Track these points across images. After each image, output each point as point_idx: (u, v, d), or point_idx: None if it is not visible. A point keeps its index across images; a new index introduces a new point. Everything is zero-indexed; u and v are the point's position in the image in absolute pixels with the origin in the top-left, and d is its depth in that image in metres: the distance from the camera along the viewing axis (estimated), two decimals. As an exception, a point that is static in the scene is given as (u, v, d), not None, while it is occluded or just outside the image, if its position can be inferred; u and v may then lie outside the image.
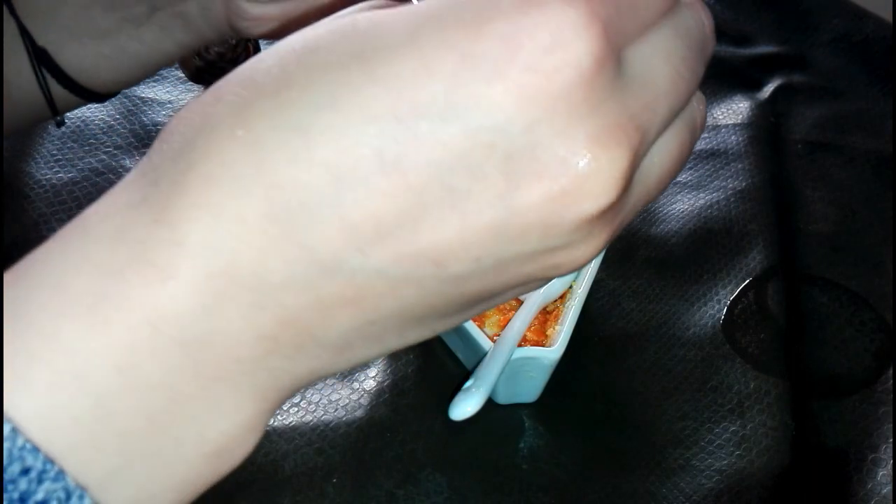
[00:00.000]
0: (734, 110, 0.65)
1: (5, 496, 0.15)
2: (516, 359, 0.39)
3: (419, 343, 0.49)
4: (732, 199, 0.57)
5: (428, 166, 0.16)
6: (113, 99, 0.60)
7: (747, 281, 0.51)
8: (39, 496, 0.16)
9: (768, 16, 0.75)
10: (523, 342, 0.42)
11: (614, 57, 0.17)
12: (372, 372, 0.45)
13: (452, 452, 0.42)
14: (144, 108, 0.60)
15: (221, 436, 0.19)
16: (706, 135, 0.63)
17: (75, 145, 0.57)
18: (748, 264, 0.52)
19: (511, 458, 0.42)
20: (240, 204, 0.17)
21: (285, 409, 0.43)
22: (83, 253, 0.17)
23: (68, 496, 0.16)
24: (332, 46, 0.17)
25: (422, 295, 0.18)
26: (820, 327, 0.49)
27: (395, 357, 0.46)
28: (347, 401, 0.44)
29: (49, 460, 0.16)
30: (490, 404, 0.37)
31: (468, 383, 0.36)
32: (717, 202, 0.57)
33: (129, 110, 0.60)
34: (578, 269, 0.19)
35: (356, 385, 0.45)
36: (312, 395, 0.44)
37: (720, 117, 0.65)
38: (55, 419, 0.16)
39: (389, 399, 0.44)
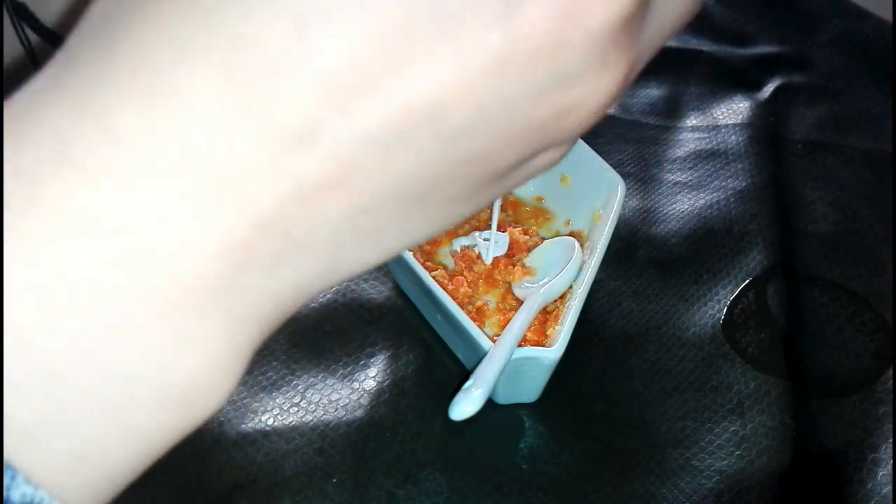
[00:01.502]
0: (734, 110, 0.65)
1: None
2: (516, 359, 0.39)
3: (419, 343, 0.49)
4: (732, 199, 0.57)
5: None
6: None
7: (747, 281, 0.51)
8: None
9: (768, 16, 0.75)
10: (523, 342, 0.42)
11: None
12: (372, 372, 0.46)
13: (452, 452, 0.42)
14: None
15: (186, 377, 0.15)
16: (706, 135, 0.63)
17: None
18: (748, 264, 0.52)
19: (511, 458, 0.42)
20: (188, 74, 0.13)
21: (285, 409, 0.43)
22: None
23: None
24: None
25: (420, 162, 0.15)
26: (820, 327, 0.49)
27: (395, 357, 0.46)
28: (347, 401, 0.44)
29: None
30: (490, 404, 0.37)
31: (468, 383, 0.36)
32: (717, 202, 0.57)
33: (129, 110, 0.60)
34: (597, 113, 0.16)
35: (356, 385, 0.45)
36: (312, 395, 0.44)
37: (720, 117, 0.65)
38: None
39: (389, 399, 0.44)
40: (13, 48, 0.39)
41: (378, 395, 0.44)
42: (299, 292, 0.16)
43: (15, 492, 0.13)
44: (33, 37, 0.39)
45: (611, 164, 0.49)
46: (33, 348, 0.14)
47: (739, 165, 0.59)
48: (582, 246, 0.46)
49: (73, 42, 0.14)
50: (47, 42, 0.40)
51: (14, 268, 0.13)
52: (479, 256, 0.47)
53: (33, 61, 0.40)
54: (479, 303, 0.46)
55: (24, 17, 0.38)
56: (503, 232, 0.48)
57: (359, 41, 0.14)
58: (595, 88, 0.16)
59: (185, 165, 0.14)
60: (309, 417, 0.43)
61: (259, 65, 0.13)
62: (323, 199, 0.15)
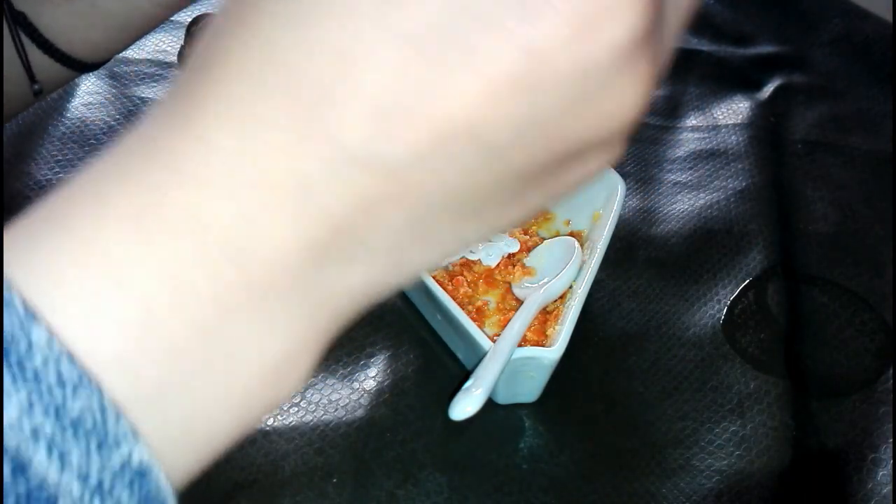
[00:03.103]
0: (734, 110, 0.65)
1: (40, 402, 0.15)
2: (516, 359, 0.39)
3: (419, 343, 0.49)
4: (732, 199, 0.57)
5: (432, 26, 0.15)
6: (113, 99, 0.61)
7: (747, 281, 0.51)
8: (75, 412, 0.15)
9: (768, 16, 0.75)
10: (523, 342, 0.42)
11: None
12: (372, 372, 0.45)
13: (452, 452, 0.42)
14: (144, 108, 0.60)
15: (277, 353, 0.18)
16: (706, 135, 0.63)
17: (75, 146, 0.57)
18: (748, 264, 0.52)
19: (511, 458, 0.42)
20: (264, 106, 0.16)
21: (285, 409, 0.43)
22: (118, 166, 0.17)
23: (104, 415, 0.16)
24: None
25: (466, 175, 0.17)
26: (820, 327, 0.49)
27: (395, 357, 0.46)
28: (347, 401, 0.44)
29: (85, 373, 0.15)
30: (490, 404, 0.37)
31: (468, 383, 0.36)
32: (717, 202, 0.57)
33: (129, 111, 0.60)
34: (632, 116, 0.17)
35: (356, 385, 0.45)
36: (312, 395, 0.44)
37: (720, 117, 0.65)
38: (99, 325, 0.16)
39: (389, 399, 0.44)
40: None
41: (378, 395, 0.44)
42: (370, 288, 0.19)
43: (136, 454, 0.16)
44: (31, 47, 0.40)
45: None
46: (162, 325, 0.16)
47: (739, 165, 0.59)
48: (582, 246, 0.46)
49: (179, 81, 0.18)
50: (43, 52, 0.40)
51: (148, 261, 0.16)
52: (477, 262, 0.47)
53: (28, 70, 0.40)
54: (479, 303, 0.46)
55: (23, 25, 0.38)
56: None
57: (393, 74, 0.16)
58: (626, 95, 0.17)
59: (272, 180, 0.16)
60: (309, 417, 0.43)
61: (320, 97, 0.16)
62: (383, 209, 0.17)
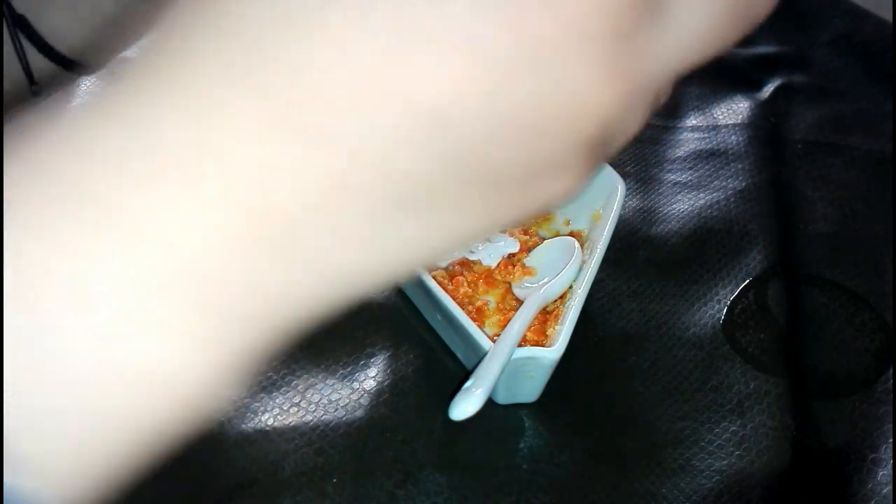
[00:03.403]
0: (734, 110, 0.65)
1: None
2: (516, 359, 0.39)
3: (419, 343, 0.49)
4: (732, 199, 0.57)
5: (419, 8, 0.15)
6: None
7: (747, 281, 0.51)
8: None
9: (768, 16, 0.75)
10: (523, 342, 0.42)
11: None
12: (372, 372, 0.45)
13: (452, 452, 0.42)
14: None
15: (189, 372, 0.16)
16: (706, 135, 0.63)
17: (75, 145, 0.57)
18: (748, 264, 0.52)
19: (511, 458, 0.42)
20: (228, 96, 0.15)
21: (285, 409, 0.43)
22: (20, 153, 0.15)
23: None
24: None
25: (433, 161, 0.16)
26: (820, 327, 0.49)
27: (395, 357, 0.46)
28: (347, 401, 0.44)
29: None
30: (490, 404, 0.37)
31: (468, 383, 0.36)
32: (717, 202, 0.57)
33: (129, 110, 0.60)
34: (596, 126, 0.17)
35: (356, 385, 0.45)
36: (312, 395, 0.44)
37: (720, 117, 0.65)
38: None
39: (389, 399, 0.44)
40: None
41: (378, 395, 0.44)
42: (289, 299, 0.17)
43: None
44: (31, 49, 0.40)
45: (611, 164, 0.49)
46: (55, 334, 0.14)
47: (739, 165, 0.59)
48: (582, 246, 0.46)
49: (131, 68, 0.16)
50: (44, 55, 0.40)
51: (38, 260, 0.14)
52: (477, 262, 0.47)
53: (27, 73, 0.40)
54: (479, 303, 0.46)
55: (24, 29, 0.38)
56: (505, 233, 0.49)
57: (372, 50, 0.15)
58: (594, 97, 0.16)
59: (221, 173, 0.15)
60: (309, 417, 0.43)
61: (288, 81, 0.15)
62: (338, 198, 0.16)
